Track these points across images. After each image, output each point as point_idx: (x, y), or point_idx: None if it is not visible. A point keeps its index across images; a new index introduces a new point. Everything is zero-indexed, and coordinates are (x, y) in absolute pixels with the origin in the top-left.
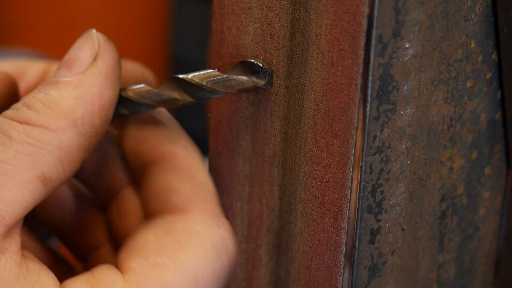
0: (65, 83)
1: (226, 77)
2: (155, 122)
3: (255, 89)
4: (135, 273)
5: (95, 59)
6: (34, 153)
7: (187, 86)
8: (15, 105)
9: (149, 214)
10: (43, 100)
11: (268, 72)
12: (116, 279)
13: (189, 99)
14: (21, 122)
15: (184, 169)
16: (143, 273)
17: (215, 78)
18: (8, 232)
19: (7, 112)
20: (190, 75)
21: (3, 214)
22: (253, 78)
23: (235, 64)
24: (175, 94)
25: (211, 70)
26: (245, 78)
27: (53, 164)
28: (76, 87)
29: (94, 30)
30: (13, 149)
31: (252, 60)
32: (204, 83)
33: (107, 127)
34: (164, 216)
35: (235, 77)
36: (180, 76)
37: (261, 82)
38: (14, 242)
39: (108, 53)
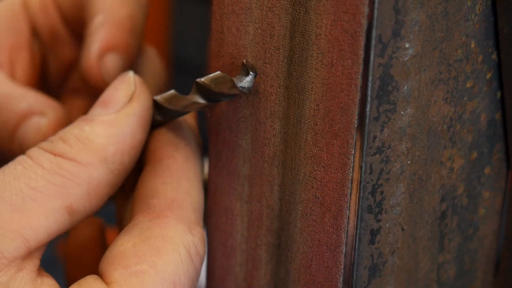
0: (99, 121)
1: (180, 96)
2: (170, 126)
3: (208, 106)
4: (118, 285)
5: (130, 100)
6: (63, 184)
7: (159, 106)
8: (51, 138)
9: (133, 212)
10: (77, 135)
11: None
12: None
13: (160, 118)
14: (54, 154)
15: (174, 174)
16: (126, 283)
17: (171, 97)
18: (29, 254)
19: (43, 144)
20: (158, 96)
21: (28, 237)
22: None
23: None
24: (157, 116)
25: (172, 91)
26: (197, 98)
27: (80, 197)
28: (110, 125)
29: (131, 73)
30: (44, 178)
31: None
32: (166, 103)
33: (134, 164)
34: (141, 222)
35: (184, 96)
36: (154, 97)
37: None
38: (33, 263)
39: (143, 95)
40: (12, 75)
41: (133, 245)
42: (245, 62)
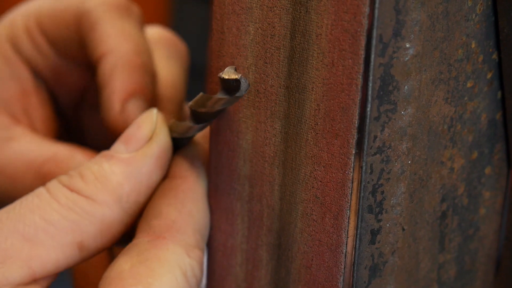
0: (118, 159)
1: (179, 123)
2: (187, 147)
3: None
4: None
5: (150, 139)
6: (77, 220)
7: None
8: (71, 172)
9: (137, 230)
10: (96, 173)
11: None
12: None
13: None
14: (71, 190)
15: (179, 195)
16: None
17: (172, 125)
18: (34, 281)
19: (62, 178)
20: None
21: (34, 268)
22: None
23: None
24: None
25: (173, 120)
26: (191, 123)
27: (92, 235)
28: (128, 164)
29: (155, 110)
30: (59, 213)
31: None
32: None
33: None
34: (140, 243)
35: (182, 123)
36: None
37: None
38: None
39: (162, 135)
40: (30, 125)
41: (131, 266)
42: (221, 77)
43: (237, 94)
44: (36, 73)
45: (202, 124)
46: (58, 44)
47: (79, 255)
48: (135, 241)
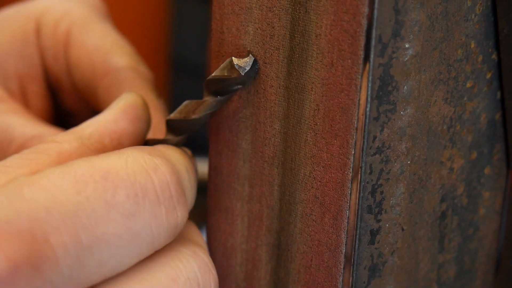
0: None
1: (192, 101)
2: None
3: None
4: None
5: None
6: (35, 158)
7: (173, 125)
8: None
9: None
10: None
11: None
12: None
13: (180, 136)
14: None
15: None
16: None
17: (184, 107)
18: None
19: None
20: (171, 114)
21: None
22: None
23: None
24: (172, 137)
25: (185, 102)
26: (208, 97)
27: (49, 166)
28: (93, 115)
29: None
30: (17, 157)
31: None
32: (180, 115)
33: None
34: None
35: (196, 100)
36: (167, 117)
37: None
38: None
39: (132, 95)
40: (25, 106)
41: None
42: (249, 49)
43: (241, 65)
44: (45, 69)
45: (223, 97)
46: (73, 69)
47: None
48: None
